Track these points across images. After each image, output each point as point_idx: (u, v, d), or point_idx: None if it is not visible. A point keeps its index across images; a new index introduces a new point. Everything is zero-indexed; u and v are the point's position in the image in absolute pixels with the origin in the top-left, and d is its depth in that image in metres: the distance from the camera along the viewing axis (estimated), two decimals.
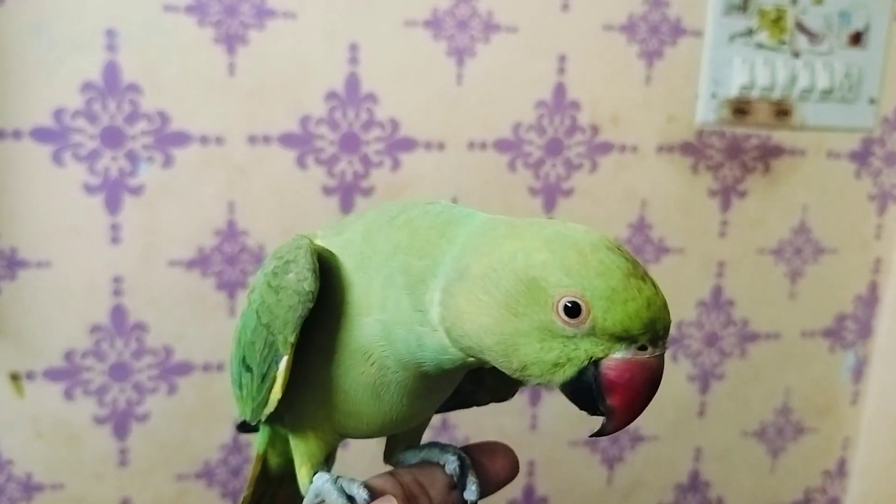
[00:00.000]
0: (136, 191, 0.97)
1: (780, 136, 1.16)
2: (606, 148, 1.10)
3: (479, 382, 0.55)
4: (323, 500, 0.47)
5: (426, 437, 0.55)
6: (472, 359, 0.42)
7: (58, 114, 0.93)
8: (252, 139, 0.99)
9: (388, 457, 0.54)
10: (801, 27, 1.11)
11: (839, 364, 1.28)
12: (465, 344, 0.41)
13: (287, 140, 1.00)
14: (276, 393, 0.45)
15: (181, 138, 0.97)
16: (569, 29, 1.05)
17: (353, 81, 1.00)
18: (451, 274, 0.41)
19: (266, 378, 0.46)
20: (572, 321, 0.38)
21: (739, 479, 1.29)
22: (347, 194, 1.03)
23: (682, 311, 1.18)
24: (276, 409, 0.47)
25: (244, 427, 0.58)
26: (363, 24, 0.99)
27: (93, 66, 0.93)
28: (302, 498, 0.50)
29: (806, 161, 1.18)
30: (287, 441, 0.53)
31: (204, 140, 0.97)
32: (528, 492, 1.19)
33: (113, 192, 0.96)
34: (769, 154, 1.16)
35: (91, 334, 0.99)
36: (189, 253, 1.00)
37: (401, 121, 1.02)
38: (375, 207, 0.48)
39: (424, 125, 1.03)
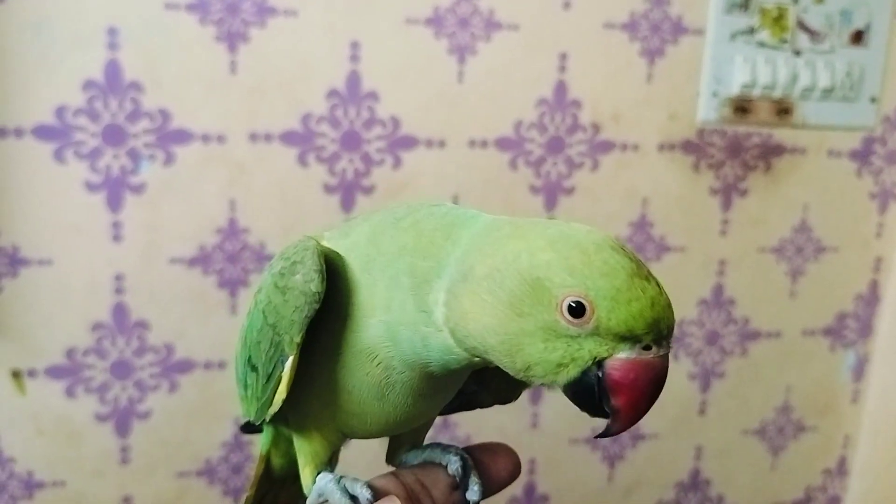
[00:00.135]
0: (138, 189, 0.97)
1: (782, 135, 1.16)
2: (607, 146, 1.10)
3: (483, 383, 0.55)
4: (326, 500, 0.47)
5: (428, 438, 0.55)
6: (477, 359, 0.42)
7: (59, 112, 0.93)
8: (253, 137, 0.99)
9: (391, 457, 0.54)
10: (802, 26, 1.11)
11: (840, 363, 1.28)
12: (469, 344, 0.41)
13: (288, 138, 1.00)
14: (282, 393, 0.45)
15: (182, 136, 0.97)
16: (570, 27, 1.05)
17: (354, 79, 1.00)
18: (455, 275, 0.41)
19: (271, 378, 0.46)
20: (576, 321, 0.38)
21: (740, 477, 1.29)
22: (348, 192, 1.03)
23: (682, 309, 1.19)
24: (281, 408, 0.47)
25: (248, 428, 0.58)
26: (364, 22, 0.99)
27: (94, 64, 0.93)
28: (305, 498, 0.50)
29: (807, 160, 1.18)
30: (290, 442, 0.53)
31: (205, 138, 0.97)
32: (529, 490, 1.20)
33: (114, 190, 0.96)
34: (770, 153, 1.16)
35: (92, 332, 0.99)
36: (190, 251, 1.00)
37: (402, 119, 1.02)
38: (382, 209, 0.48)
39: (425, 123, 1.03)
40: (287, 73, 0.98)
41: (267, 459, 0.59)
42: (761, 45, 1.10)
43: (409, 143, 1.03)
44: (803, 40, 1.12)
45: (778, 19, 1.10)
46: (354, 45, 0.99)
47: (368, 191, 1.03)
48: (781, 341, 1.24)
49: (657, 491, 1.26)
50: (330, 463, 0.51)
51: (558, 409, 1.15)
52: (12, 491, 1.00)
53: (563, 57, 1.06)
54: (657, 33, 1.08)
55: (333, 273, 0.45)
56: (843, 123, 1.16)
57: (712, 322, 1.21)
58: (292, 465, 0.54)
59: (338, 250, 0.46)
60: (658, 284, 0.39)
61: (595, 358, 0.39)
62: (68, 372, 0.99)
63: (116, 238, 0.97)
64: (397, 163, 1.03)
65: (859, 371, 1.29)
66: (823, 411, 1.30)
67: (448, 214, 0.44)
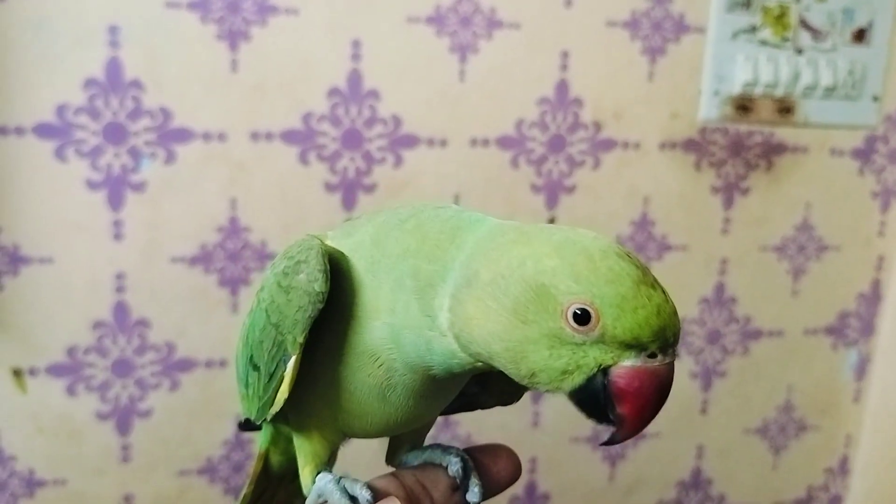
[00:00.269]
0: (139, 187, 0.97)
1: (783, 134, 1.15)
2: (609, 145, 1.10)
3: (485, 385, 0.54)
4: (326, 501, 0.47)
5: (429, 437, 0.55)
6: (480, 364, 0.42)
7: (60, 110, 0.93)
8: (254, 136, 0.99)
9: (391, 458, 0.54)
10: (804, 24, 1.11)
11: (842, 362, 1.28)
12: (473, 350, 0.41)
13: (289, 137, 1.00)
14: (284, 392, 0.45)
15: (183, 135, 0.97)
16: (572, 25, 1.05)
17: (355, 78, 1.00)
18: (460, 280, 0.41)
19: (273, 377, 0.46)
20: (582, 328, 0.38)
21: (741, 476, 1.29)
22: (349, 191, 1.02)
23: (684, 308, 1.18)
24: (282, 408, 0.47)
25: (246, 426, 0.58)
26: (365, 21, 0.99)
27: (95, 63, 0.93)
28: (302, 495, 0.50)
29: (809, 158, 1.17)
30: (289, 440, 0.53)
31: (206, 136, 0.97)
32: (531, 488, 1.20)
33: (115, 189, 0.96)
34: (772, 151, 1.16)
35: (93, 330, 0.99)
36: (191, 249, 1.00)
37: (403, 117, 1.02)
38: (385, 209, 0.47)
39: (427, 122, 1.03)
40: (288, 72, 0.98)
41: (265, 457, 0.59)
42: (763, 43, 1.10)
43: (411, 141, 1.03)
44: (805, 39, 1.11)
45: (780, 17, 1.10)
46: (356, 44, 0.99)
47: (369, 189, 1.03)
48: (783, 340, 1.24)
49: (658, 490, 1.26)
50: (329, 462, 0.50)
51: (559, 408, 1.15)
52: (13, 489, 1.01)
53: (565, 55, 1.06)
54: (659, 31, 1.08)
55: (337, 273, 0.45)
56: (845, 122, 1.16)
57: (714, 321, 1.20)
58: (291, 463, 0.54)
59: (342, 250, 0.46)
60: (664, 292, 0.39)
61: (600, 365, 0.39)
62: (69, 370, 0.99)
63: (117, 236, 0.97)
64: (398, 161, 1.03)
65: (861, 370, 1.29)
66: (825, 410, 1.30)
67: (453, 217, 0.44)
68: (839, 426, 1.31)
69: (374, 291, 0.44)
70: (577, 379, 0.39)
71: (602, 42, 1.07)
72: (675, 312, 0.39)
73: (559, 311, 0.38)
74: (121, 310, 0.99)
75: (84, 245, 0.97)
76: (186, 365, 1.03)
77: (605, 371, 0.39)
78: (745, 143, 1.14)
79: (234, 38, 0.96)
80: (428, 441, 0.54)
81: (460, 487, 0.49)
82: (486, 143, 1.05)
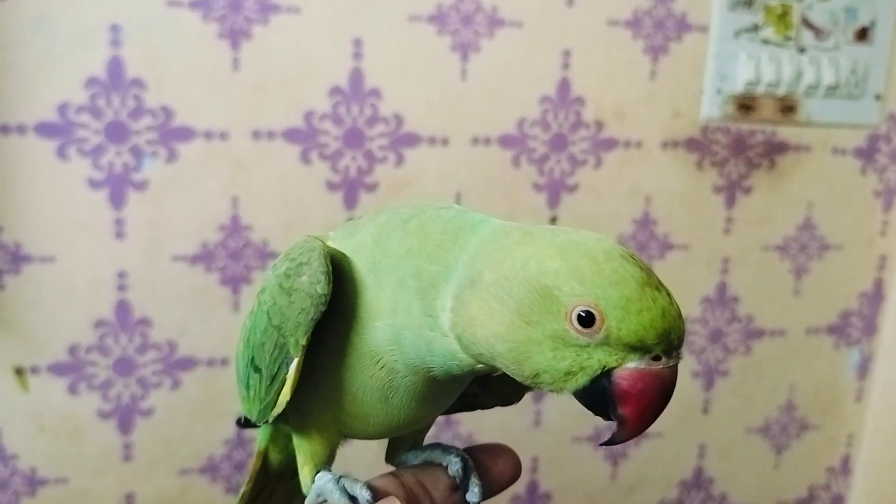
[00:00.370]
0: (140, 186, 0.97)
1: (786, 133, 1.15)
2: (611, 143, 1.09)
3: (486, 386, 0.54)
4: (325, 500, 0.47)
5: (430, 437, 0.55)
6: (482, 365, 0.42)
7: (62, 109, 0.93)
8: (256, 134, 0.98)
9: (391, 457, 0.54)
10: (806, 23, 1.11)
11: (844, 361, 1.28)
12: (476, 351, 0.41)
13: (291, 135, 1.00)
14: (286, 395, 0.45)
15: (185, 133, 0.97)
16: (573, 24, 1.05)
17: (356, 77, 1.00)
18: (462, 280, 0.41)
19: (275, 380, 0.45)
20: (586, 330, 0.38)
21: (743, 475, 1.29)
22: (351, 190, 1.02)
23: (686, 307, 1.17)
24: (283, 409, 0.46)
25: (245, 423, 0.58)
26: (367, 19, 0.99)
27: (97, 61, 0.93)
28: (301, 493, 0.49)
29: (811, 157, 1.17)
30: (289, 438, 0.53)
31: (208, 135, 0.97)
32: (532, 488, 1.19)
33: (117, 187, 0.96)
34: (774, 150, 1.16)
35: (95, 329, 0.99)
36: (193, 248, 1.00)
37: (405, 116, 1.02)
38: (386, 209, 0.47)
39: (428, 120, 1.03)
40: (290, 71, 0.98)
41: (265, 454, 0.59)
42: (765, 42, 1.10)
43: (412, 140, 1.03)
44: (808, 37, 1.11)
45: (782, 16, 1.10)
46: (357, 43, 0.99)
47: (371, 188, 1.03)
48: (785, 339, 1.24)
49: (660, 489, 1.25)
50: (328, 462, 0.50)
51: (561, 407, 1.15)
52: (15, 487, 1.01)
53: (567, 54, 1.06)
54: (661, 30, 1.08)
55: (339, 274, 0.44)
56: (848, 121, 1.16)
57: (716, 320, 1.20)
58: (290, 461, 0.54)
59: (343, 251, 0.45)
60: (668, 294, 0.39)
61: (604, 367, 0.39)
62: (71, 369, 0.99)
63: (119, 235, 0.97)
64: (400, 160, 1.03)
65: (863, 369, 1.29)
66: (827, 410, 1.29)
67: (455, 218, 0.44)
68: (841, 425, 1.31)
69: (376, 292, 0.44)
70: (581, 380, 0.39)
71: (604, 41, 1.06)
72: (680, 315, 0.39)
73: (563, 312, 0.38)
74: (122, 308, 0.99)
75: (86, 244, 0.97)
76: (188, 364, 1.03)
77: (608, 372, 0.39)
78: (747, 142, 1.14)
79: (235, 36, 0.96)
80: (428, 440, 0.54)
81: (460, 487, 0.49)
82: (487, 141, 1.05)
